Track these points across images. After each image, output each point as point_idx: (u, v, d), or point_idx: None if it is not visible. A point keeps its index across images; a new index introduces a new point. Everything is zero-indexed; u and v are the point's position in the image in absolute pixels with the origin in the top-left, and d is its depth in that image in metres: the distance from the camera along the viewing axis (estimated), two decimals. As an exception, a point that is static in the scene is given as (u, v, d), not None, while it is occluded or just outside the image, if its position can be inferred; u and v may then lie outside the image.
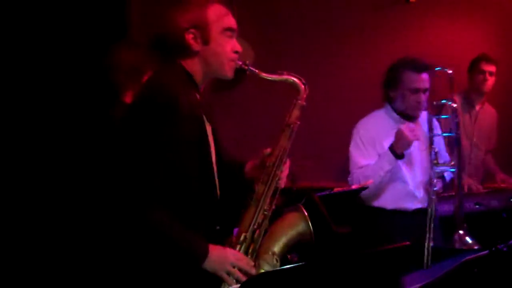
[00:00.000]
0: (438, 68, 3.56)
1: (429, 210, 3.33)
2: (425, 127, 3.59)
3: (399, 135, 3.44)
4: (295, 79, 2.40)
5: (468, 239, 3.41)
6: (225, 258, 2.18)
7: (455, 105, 3.48)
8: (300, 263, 2.16)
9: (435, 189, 3.40)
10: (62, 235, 3.57)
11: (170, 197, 2.15)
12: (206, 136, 2.28)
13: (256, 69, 2.36)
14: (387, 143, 3.54)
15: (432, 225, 3.28)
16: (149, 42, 2.47)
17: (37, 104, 3.77)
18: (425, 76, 3.56)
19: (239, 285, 2.05)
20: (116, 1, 4.11)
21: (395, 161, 3.48)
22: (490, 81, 4.60)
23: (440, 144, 3.68)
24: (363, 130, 3.66)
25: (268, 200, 2.33)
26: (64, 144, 3.67)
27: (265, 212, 2.32)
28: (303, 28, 5.19)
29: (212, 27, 2.26)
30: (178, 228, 2.14)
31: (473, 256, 2.04)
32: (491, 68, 4.59)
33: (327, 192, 3.44)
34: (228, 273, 2.17)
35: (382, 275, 1.94)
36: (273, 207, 2.35)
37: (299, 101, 2.42)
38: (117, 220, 2.18)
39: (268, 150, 2.42)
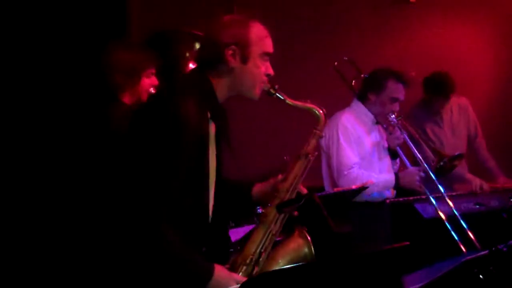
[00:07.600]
0: None
1: None
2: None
3: (411, 177, 3.69)
4: (318, 109, 2.39)
5: None
6: (227, 283, 2.12)
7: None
8: (300, 263, 2.16)
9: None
10: (60, 244, 3.50)
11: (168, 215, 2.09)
12: (207, 158, 2.21)
13: (283, 94, 2.32)
14: (367, 142, 3.74)
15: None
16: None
17: (34, 103, 3.75)
18: (405, 90, 3.75)
19: (239, 285, 2.04)
20: (115, 0, 4.10)
21: (391, 187, 3.73)
22: None
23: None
24: (351, 126, 3.75)
25: (278, 224, 2.30)
26: (62, 145, 3.65)
27: (273, 236, 2.29)
28: (302, 28, 5.19)
29: (252, 47, 2.24)
30: (185, 247, 2.10)
31: (473, 256, 2.05)
32: None
33: (327, 192, 3.46)
34: None
35: (382, 275, 1.94)
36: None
37: (318, 131, 2.39)
38: (121, 232, 2.13)
39: (280, 177, 2.38)
